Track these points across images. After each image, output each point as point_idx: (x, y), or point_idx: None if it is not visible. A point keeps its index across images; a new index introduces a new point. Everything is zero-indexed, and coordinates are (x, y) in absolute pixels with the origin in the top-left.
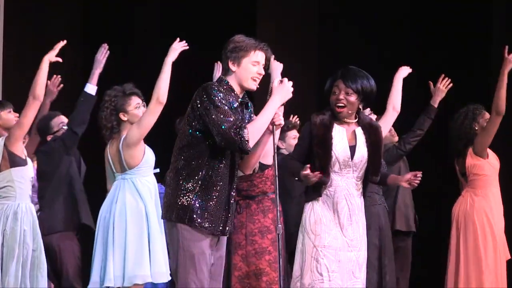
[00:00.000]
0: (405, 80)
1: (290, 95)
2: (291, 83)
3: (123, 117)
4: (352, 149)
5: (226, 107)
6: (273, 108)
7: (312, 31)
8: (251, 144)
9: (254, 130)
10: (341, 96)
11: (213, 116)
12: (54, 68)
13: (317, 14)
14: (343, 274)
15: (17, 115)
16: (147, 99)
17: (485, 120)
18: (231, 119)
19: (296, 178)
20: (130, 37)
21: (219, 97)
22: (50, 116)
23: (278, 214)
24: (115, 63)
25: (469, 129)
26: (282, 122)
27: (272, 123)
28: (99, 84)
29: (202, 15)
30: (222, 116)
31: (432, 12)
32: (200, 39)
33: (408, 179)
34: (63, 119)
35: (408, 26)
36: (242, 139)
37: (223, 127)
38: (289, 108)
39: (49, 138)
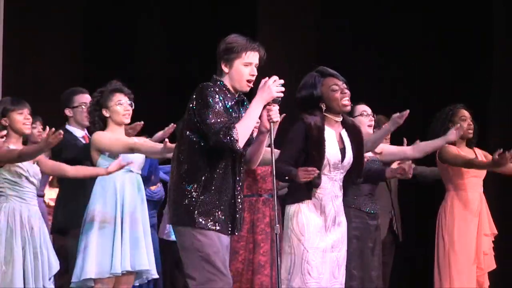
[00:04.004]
0: (404, 83)
1: (273, 94)
2: (275, 82)
3: (105, 113)
4: (343, 151)
5: (220, 108)
6: (257, 107)
7: (312, 30)
8: (241, 143)
9: (242, 129)
10: (346, 90)
11: (205, 118)
12: (54, 65)
13: (319, 13)
14: (327, 275)
15: (29, 118)
16: (146, 100)
17: (459, 118)
18: (222, 121)
19: (286, 177)
20: (133, 37)
21: (213, 98)
22: (75, 91)
23: (276, 213)
24: (117, 62)
25: (443, 129)
26: (279, 119)
27: (270, 120)
28: (100, 85)
29: (202, 15)
30: (213, 117)
31: (431, 13)
32: (199, 39)
33: (401, 172)
34: (86, 98)
35: (408, 28)
36: (232, 139)
37: (213, 128)
38: (290, 106)
39: (66, 111)
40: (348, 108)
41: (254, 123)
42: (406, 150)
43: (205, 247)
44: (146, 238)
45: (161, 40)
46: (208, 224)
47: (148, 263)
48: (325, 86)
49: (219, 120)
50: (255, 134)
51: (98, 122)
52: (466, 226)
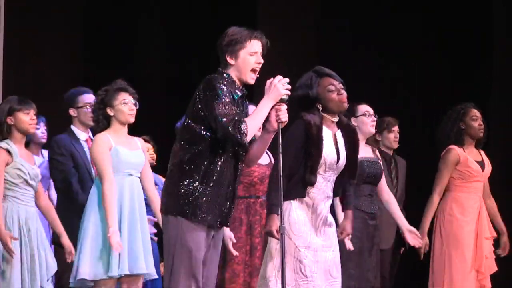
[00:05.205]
0: (404, 83)
1: (281, 92)
2: (280, 81)
3: (110, 112)
4: (337, 152)
5: (228, 100)
6: (265, 107)
7: (312, 30)
8: (249, 138)
9: (251, 125)
10: (343, 91)
11: (214, 109)
12: (54, 65)
13: (319, 13)
14: (321, 274)
15: (35, 119)
16: (146, 100)
17: (471, 118)
18: (231, 113)
19: (267, 212)
20: (133, 37)
21: (222, 90)
22: (80, 91)
23: (282, 214)
24: (117, 62)
25: (454, 129)
26: (287, 119)
27: (278, 120)
28: (100, 85)
29: (202, 15)
30: (222, 109)
31: (431, 13)
32: (199, 39)
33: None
34: (90, 98)
35: (408, 28)
36: (242, 132)
37: (222, 120)
38: (290, 105)
39: (71, 111)
40: (345, 106)
41: (262, 122)
42: (383, 194)
43: (188, 241)
44: (145, 240)
45: (161, 40)
46: (198, 215)
47: (145, 267)
48: (321, 86)
49: (228, 112)
50: (258, 134)
51: (102, 120)
52: (465, 228)
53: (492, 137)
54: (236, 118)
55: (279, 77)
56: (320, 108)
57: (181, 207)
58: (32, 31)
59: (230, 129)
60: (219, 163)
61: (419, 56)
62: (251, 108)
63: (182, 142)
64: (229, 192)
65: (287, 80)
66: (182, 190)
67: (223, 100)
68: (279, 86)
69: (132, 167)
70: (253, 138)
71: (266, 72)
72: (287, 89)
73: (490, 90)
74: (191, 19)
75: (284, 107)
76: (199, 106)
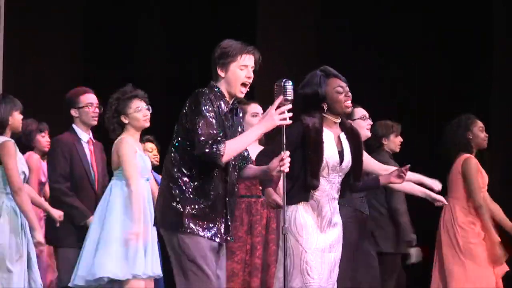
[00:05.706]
0: (404, 83)
1: (275, 122)
2: (277, 110)
3: (124, 119)
4: (341, 154)
5: (212, 119)
6: (255, 131)
7: (312, 30)
8: (225, 159)
9: (231, 147)
10: (349, 93)
11: (196, 126)
12: (54, 65)
13: (319, 13)
14: (325, 275)
15: (21, 117)
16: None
17: (478, 129)
18: (211, 132)
19: (262, 189)
20: (133, 37)
21: (207, 107)
22: (81, 91)
23: (284, 214)
24: (117, 62)
25: (462, 138)
26: (287, 169)
27: (279, 170)
28: (102, 88)
29: (202, 15)
30: (204, 127)
31: (431, 13)
32: (199, 39)
33: (397, 174)
34: (91, 98)
35: (408, 28)
36: (218, 152)
37: (201, 139)
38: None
39: (72, 111)
40: (350, 110)
41: (246, 146)
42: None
43: (192, 250)
44: (153, 242)
45: (161, 40)
46: (196, 230)
47: (143, 269)
48: (329, 86)
49: (210, 132)
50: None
51: (117, 128)
52: (479, 237)
53: (492, 138)
54: (216, 137)
55: (274, 106)
56: (326, 108)
57: (175, 221)
58: (32, 31)
59: (207, 149)
60: (210, 178)
61: (419, 56)
62: (253, 106)
63: (171, 159)
64: (224, 207)
65: (289, 107)
66: (175, 205)
67: (207, 118)
68: (275, 117)
69: (148, 172)
70: (248, 157)
71: (266, 72)
72: (283, 118)
73: (490, 90)
74: (191, 19)
75: (287, 157)
76: (185, 122)
